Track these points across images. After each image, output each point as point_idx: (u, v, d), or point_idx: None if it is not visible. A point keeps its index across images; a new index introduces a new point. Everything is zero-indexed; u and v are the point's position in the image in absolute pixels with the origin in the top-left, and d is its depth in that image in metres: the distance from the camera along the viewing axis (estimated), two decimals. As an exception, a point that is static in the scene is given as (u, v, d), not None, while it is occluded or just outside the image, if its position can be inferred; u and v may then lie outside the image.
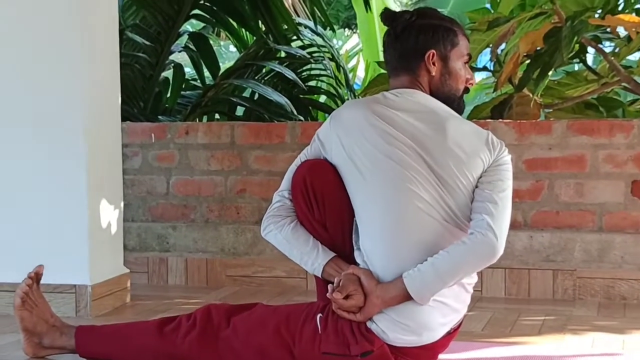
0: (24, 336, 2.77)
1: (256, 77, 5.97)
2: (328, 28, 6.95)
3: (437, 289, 2.40)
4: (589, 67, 5.10)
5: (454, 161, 2.44)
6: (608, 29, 4.63)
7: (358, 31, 10.33)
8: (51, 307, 2.84)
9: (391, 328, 2.43)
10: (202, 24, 6.78)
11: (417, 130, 2.47)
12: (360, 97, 5.70)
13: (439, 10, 2.72)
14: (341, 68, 6.70)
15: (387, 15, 2.57)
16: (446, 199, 2.44)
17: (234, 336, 2.56)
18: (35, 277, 2.79)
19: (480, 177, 2.46)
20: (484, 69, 5.39)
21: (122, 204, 3.85)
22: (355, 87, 7.65)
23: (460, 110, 2.60)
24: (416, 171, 2.44)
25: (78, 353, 2.76)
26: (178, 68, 6.13)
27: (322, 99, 7.22)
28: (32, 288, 2.77)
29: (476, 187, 2.46)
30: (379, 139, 2.47)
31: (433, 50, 2.53)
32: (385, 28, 2.61)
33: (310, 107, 6.24)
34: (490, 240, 2.38)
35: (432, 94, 2.55)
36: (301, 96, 6.15)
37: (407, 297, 2.40)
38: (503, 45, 4.85)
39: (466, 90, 2.62)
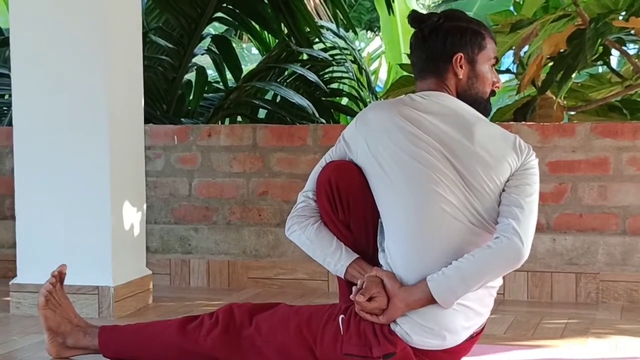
0: (48, 336, 2.79)
1: (278, 80, 5.97)
2: (350, 30, 6.95)
3: (462, 293, 2.39)
4: (612, 70, 5.07)
5: (481, 165, 2.43)
6: (632, 31, 4.60)
7: (380, 34, 10.33)
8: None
9: (415, 331, 2.42)
10: (225, 27, 6.80)
11: (444, 133, 2.46)
12: (382, 99, 5.70)
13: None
14: (363, 70, 6.70)
15: (415, 18, 2.57)
16: (473, 202, 2.43)
17: (256, 335, 2.57)
18: (59, 276, 2.81)
19: (508, 180, 2.45)
20: (507, 71, 5.37)
21: (144, 206, 3.87)
22: (377, 89, 7.65)
23: (486, 113, 2.59)
24: (442, 174, 2.43)
25: (101, 353, 2.78)
26: (201, 71, 6.15)
27: (344, 101, 7.22)
28: (56, 287, 2.79)
29: (503, 190, 2.45)
30: (405, 140, 2.46)
31: (461, 53, 2.53)
32: (410, 30, 2.60)
33: (332, 110, 6.24)
34: (515, 244, 2.37)
35: (459, 96, 2.55)
36: (323, 99, 6.15)
37: (431, 301, 2.39)
38: (526, 48, 4.83)
39: (493, 93, 2.62)
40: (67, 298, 2.84)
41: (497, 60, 2.63)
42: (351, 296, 2.43)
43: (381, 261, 2.52)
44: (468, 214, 2.43)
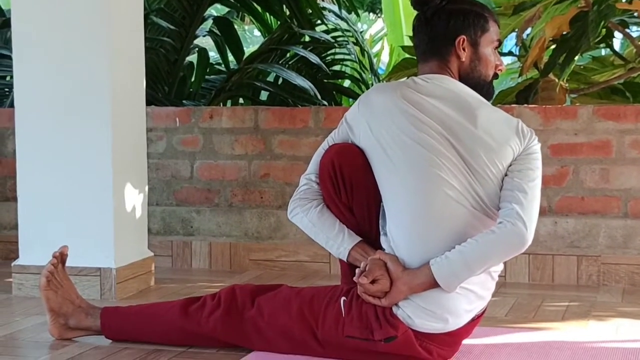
0: (50, 317, 2.80)
1: (280, 62, 5.96)
2: (352, 12, 6.93)
3: (465, 277, 2.39)
4: (615, 52, 5.06)
5: (484, 150, 2.43)
6: (635, 14, 4.59)
7: (383, 15, 10.30)
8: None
9: (417, 314, 2.43)
10: (227, 9, 6.78)
11: (447, 117, 2.46)
12: (385, 81, 5.69)
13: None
14: (365, 52, 6.68)
15: (418, 0, 2.56)
16: (475, 186, 2.43)
17: (258, 316, 2.58)
18: (60, 257, 2.81)
19: (510, 165, 2.45)
20: (510, 53, 5.36)
21: (146, 188, 3.87)
22: (379, 71, 7.63)
23: (489, 97, 2.59)
24: (445, 158, 2.43)
25: (104, 334, 2.79)
26: (202, 52, 6.13)
27: (347, 83, 7.20)
28: (57, 268, 2.80)
29: (505, 175, 2.44)
30: (408, 124, 2.46)
31: (463, 36, 2.52)
32: (412, 12, 2.60)
33: (334, 92, 6.22)
34: (519, 229, 2.36)
35: (462, 79, 2.54)
36: (325, 81, 6.13)
37: (433, 284, 2.39)
38: (529, 30, 4.82)
39: (495, 76, 2.61)
40: (69, 279, 2.84)
41: (500, 43, 2.62)
42: (354, 278, 2.43)
43: (383, 245, 2.52)
44: (470, 198, 2.43)
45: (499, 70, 2.60)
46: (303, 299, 2.56)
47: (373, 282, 2.42)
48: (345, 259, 2.56)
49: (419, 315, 2.43)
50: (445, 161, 2.43)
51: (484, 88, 2.56)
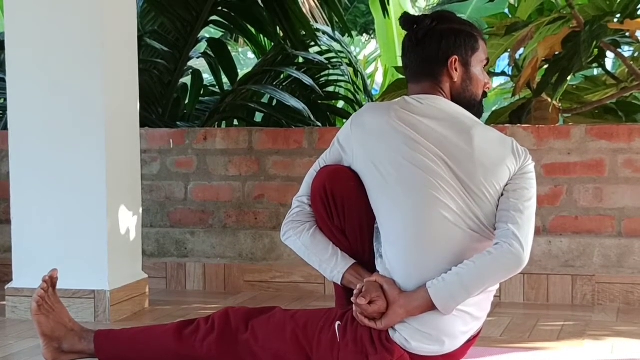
0: (43, 341, 2.78)
1: (274, 83, 5.97)
2: (346, 34, 6.96)
3: (462, 299, 2.37)
4: (607, 72, 5.08)
5: (481, 170, 2.41)
6: (627, 34, 4.61)
7: (376, 37, 10.34)
8: (70, 312, 2.84)
9: (414, 337, 2.41)
10: (221, 31, 6.80)
11: (443, 138, 2.44)
12: (378, 102, 5.69)
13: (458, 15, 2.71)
14: (359, 73, 6.70)
15: (407, 20, 2.55)
16: (473, 208, 2.41)
17: (252, 340, 2.56)
18: (50, 281, 2.79)
19: (506, 185, 2.43)
20: (503, 73, 5.38)
21: (140, 210, 3.86)
22: (373, 92, 7.65)
23: (479, 115, 2.58)
24: (442, 179, 2.41)
25: (97, 357, 2.77)
26: (196, 74, 6.15)
27: (340, 104, 7.22)
28: (48, 292, 2.77)
29: (501, 195, 2.43)
30: (403, 145, 2.44)
31: (456, 56, 2.51)
32: (404, 32, 2.60)
33: (328, 113, 6.24)
34: (516, 250, 2.35)
35: (453, 99, 2.53)
36: (319, 102, 6.15)
37: (431, 307, 2.38)
38: (521, 50, 4.84)
39: (484, 94, 2.61)
40: (61, 302, 2.82)
41: (488, 61, 2.62)
42: (352, 298, 2.41)
43: (379, 267, 2.50)
44: (468, 220, 2.41)
45: (487, 88, 2.60)
46: (297, 323, 2.54)
47: (369, 303, 2.40)
48: (339, 282, 2.54)
49: (416, 338, 2.41)
50: (441, 182, 2.42)
51: (474, 107, 2.56)
